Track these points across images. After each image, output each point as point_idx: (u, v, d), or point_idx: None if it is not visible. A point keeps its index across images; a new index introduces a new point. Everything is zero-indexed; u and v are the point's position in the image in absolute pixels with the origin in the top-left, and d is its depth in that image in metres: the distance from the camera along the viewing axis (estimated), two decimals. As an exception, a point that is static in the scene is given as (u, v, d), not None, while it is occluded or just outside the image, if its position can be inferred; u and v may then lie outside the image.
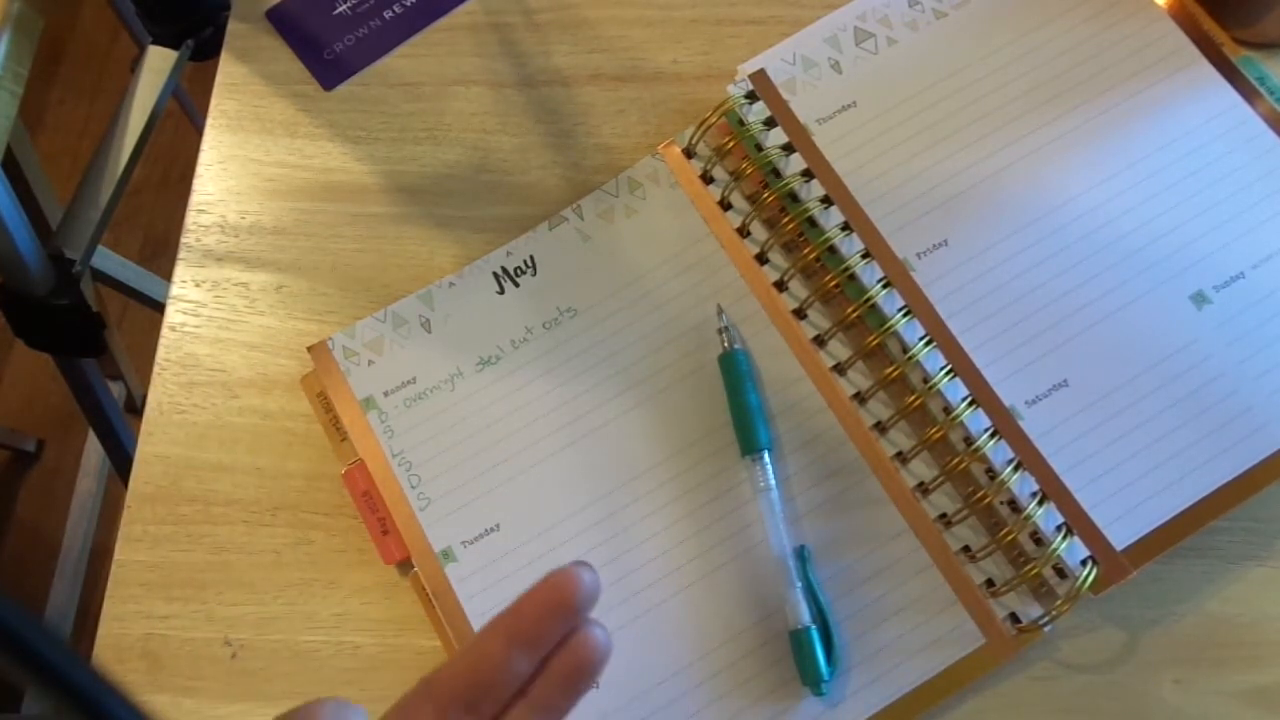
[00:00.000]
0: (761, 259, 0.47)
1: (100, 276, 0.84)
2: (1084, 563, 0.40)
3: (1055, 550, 0.40)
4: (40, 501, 1.25)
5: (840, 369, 0.45)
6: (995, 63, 0.48)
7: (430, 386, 0.46)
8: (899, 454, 0.43)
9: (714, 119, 0.48)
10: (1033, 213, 0.45)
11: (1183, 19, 0.48)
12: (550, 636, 0.28)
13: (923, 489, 0.43)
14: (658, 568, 0.42)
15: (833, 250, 0.45)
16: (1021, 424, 0.42)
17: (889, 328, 0.43)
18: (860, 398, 0.44)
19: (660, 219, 0.48)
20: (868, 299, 0.44)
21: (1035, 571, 0.40)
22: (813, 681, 0.40)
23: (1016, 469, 0.41)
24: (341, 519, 0.45)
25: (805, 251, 0.45)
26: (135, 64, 0.69)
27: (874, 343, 0.44)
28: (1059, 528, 0.40)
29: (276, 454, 0.46)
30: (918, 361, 0.43)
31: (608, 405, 0.45)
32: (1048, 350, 0.43)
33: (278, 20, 0.54)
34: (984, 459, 0.42)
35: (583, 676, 0.28)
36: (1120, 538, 0.40)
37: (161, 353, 0.48)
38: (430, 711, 0.28)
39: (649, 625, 0.42)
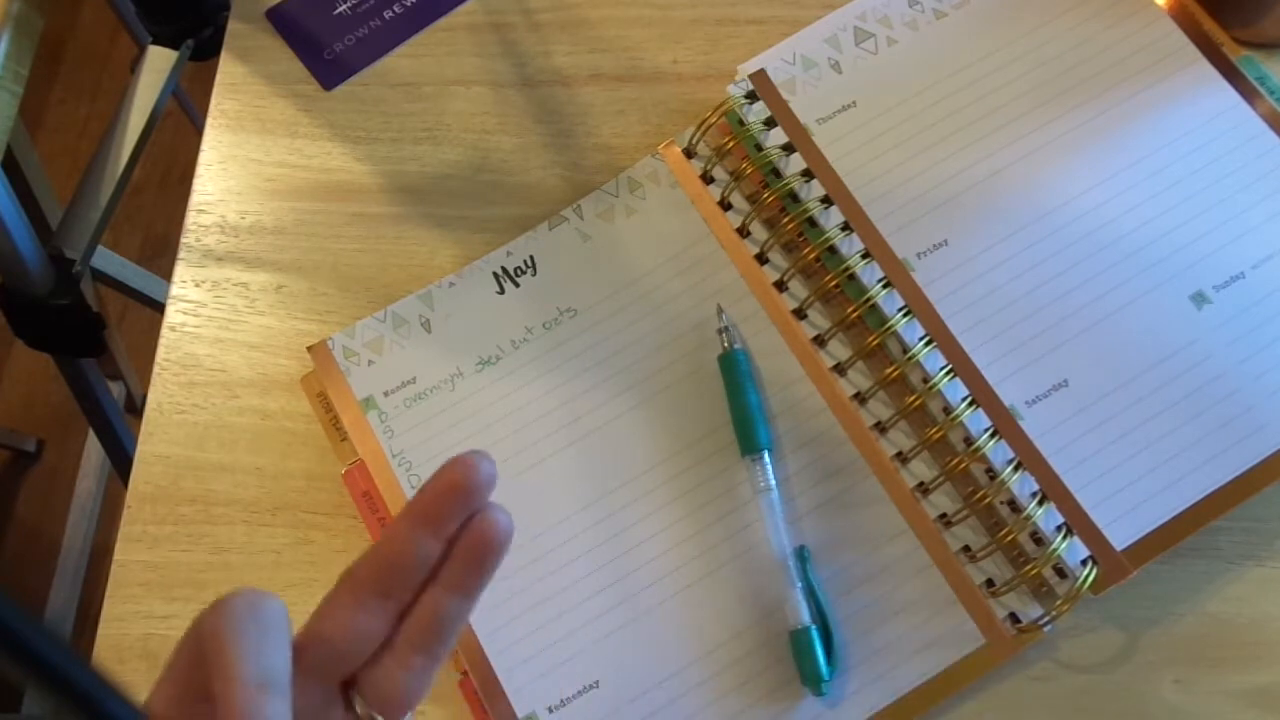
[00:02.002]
0: (761, 259, 0.47)
1: (100, 276, 0.84)
2: (1084, 563, 0.40)
3: (1055, 550, 0.40)
4: (40, 501, 1.25)
5: (840, 369, 0.45)
6: (995, 63, 0.48)
7: (430, 386, 0.46)
8: (899, 454, 0.43)
9: (714, 119, 0.48)
10: (1033, 213, 0.45)
11: (1183, 19, 0.48)
12: (450, 517, 0.29)
13: (923, 489, 0.43)
14: (658, 568, 0.42)
15: (833, 250, 0.45)
16: (1021, 424, 0.42)
17: (889, 328, 0.43)
18: (860, 398, 0.44)
19: (660, 219, 0.48)
20: (868, 299, 0.44)
21: (1035, 571, 0.40)
22: (813, 681, 0.40)
23: (1016, 469, 0.41)
24: (341, 519, 0.45)
25: (805, 251, 0.45)
26: (135, 64, 0.69)
27: (874, 343, 0.44)
28: (1059, 528, 0.40)
29: (276, 454, 0.46)
30: (918, 361, 0.43)
31: (608, 405, 0.45)
32: (1048, 350, 0.43)
33: (278, 20, 0.54)
34: (984, 459, 0.42)
35: (486, 555, 0.29)
36: (1120, 538, 0.40)
37: (161, 353, 0.48)
38: (349, 601, 0.29)
39: (649, 625, 0.42)
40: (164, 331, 0.49)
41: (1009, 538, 0.41)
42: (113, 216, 0.68)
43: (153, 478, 0.46)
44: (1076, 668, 0.41)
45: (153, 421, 0.47)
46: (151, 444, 0.47)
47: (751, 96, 0.48)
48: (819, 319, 0.46)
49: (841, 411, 0.44)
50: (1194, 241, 0.44)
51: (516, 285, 0.47)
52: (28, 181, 0.73)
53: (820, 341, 0.45)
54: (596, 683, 0.41)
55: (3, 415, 1.29)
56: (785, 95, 0.48)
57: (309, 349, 0.47)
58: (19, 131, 0.68)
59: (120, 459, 0.91)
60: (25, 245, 0.64)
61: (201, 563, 0.45)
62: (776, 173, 0.47)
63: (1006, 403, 0.42)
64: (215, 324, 0.49)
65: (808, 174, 0.46)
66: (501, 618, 0.42)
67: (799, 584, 0.41)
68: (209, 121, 0.53)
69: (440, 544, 0.29)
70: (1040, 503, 0.41)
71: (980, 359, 0.43)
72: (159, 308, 0.70)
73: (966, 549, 0.42)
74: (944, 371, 0.43)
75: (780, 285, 0.46)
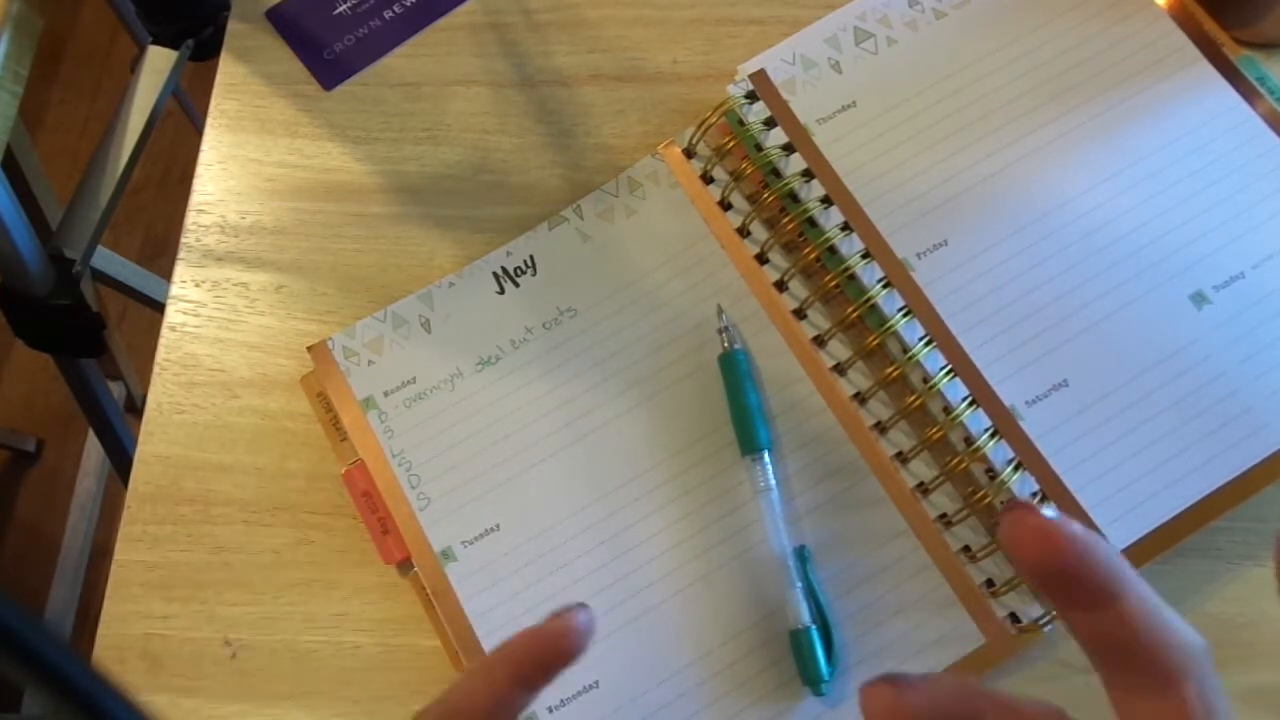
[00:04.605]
0: (761, 259, 0.47)
1: (100, 276, 0.84)
2: (1084, 563, 0.40)
3: (1055, 550, 0.40)
4: (40, 501, 1.25)
5: (840, 369, 0.45)
6: (995, 63, 0.48)
7: (430, 386, 0.46)
8: (899, 454, 0.43)
9: (714, 119, 0.48)
10: (1033, 213, 0.45)
11: (1183, 19, 0.48)
12: (548, 677, 0.29)
13: (923, 489, 0.43)
14: (658, 568, 0.42)
15: (833, 250, 0.45)
16: (1021, 424, 0.42)
17: (889, 328, 0.43)
18: (860, 398, 0.44)
19: (660, 219, 0.48)
20: (868, 299, 0.44)
21: (1035, 571, 0.40)
22: (813, 681, 0.40)
23: (1016, 469, 0.41)
24: (341, 519, 0.45)
25: (805, 251, 0.45)
26: (135, 64, 0.69)
27: (874, 343, 0.44)
28: (1059, 528, 0.40)
29: (276, 454, 0.46)
30: (918, 361, 0.43)
31: (608, 405, 0.45)
32: (1048, 350, 0.43)
33: (278, 20, 0.54)
34: (984, 459, 0.42)
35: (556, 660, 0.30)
36: (1120, 538, 0.40)
37: (161, 353, 0.48)
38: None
39: (649, 625, 0.42)
40: (164, 331, 0.49)
41: (1009, 538, 0.41)
42: (113, 216, 0.68)
43: (153, 478, 0.46)
44: (1077, 667, 0.41)
45: (153, 421, 0.47)
46: (151, 444, 0.47)
47: (751, 96, 0.48)
48: (819, 319, 0.46)
49: (841, 411, 0.44)
50: (1194, 241, 0.44)
51: (516, 285, 0.47)
52: (28, 181, 0.73)
53: (820, 341, 0.45)
54: (596, 683, 0.41)
55: (3, 415, 1.29)
56: (785, 95, 0.48)
57: (309, 349, 0.47)
58: (19, 131, 0.69)
59: (120, 459, 0.91)
60: (25, 245, 0.64)
61: (201, 563, 0.45)
62: (776, 173, 0.47)
63: (1006, 403, 0.42)
64: (215, 324, 0.49)
65: (808, 174, 0.46)
66: (501, 618, 0.42)
67: (799, 584, 0.41)
68: (209, 121, 0.53)
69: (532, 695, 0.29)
70: (1040, 503, 0.40)
71: (980, 359, 0.43)
72: (159, 308, 0.70)
73: (966, 549, 0.42)
74: (944, 371, 0.43)
75: (780, 285, 0.46)
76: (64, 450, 1.26)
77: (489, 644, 0.42)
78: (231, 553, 0.45)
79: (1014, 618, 0.41)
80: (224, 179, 0.51)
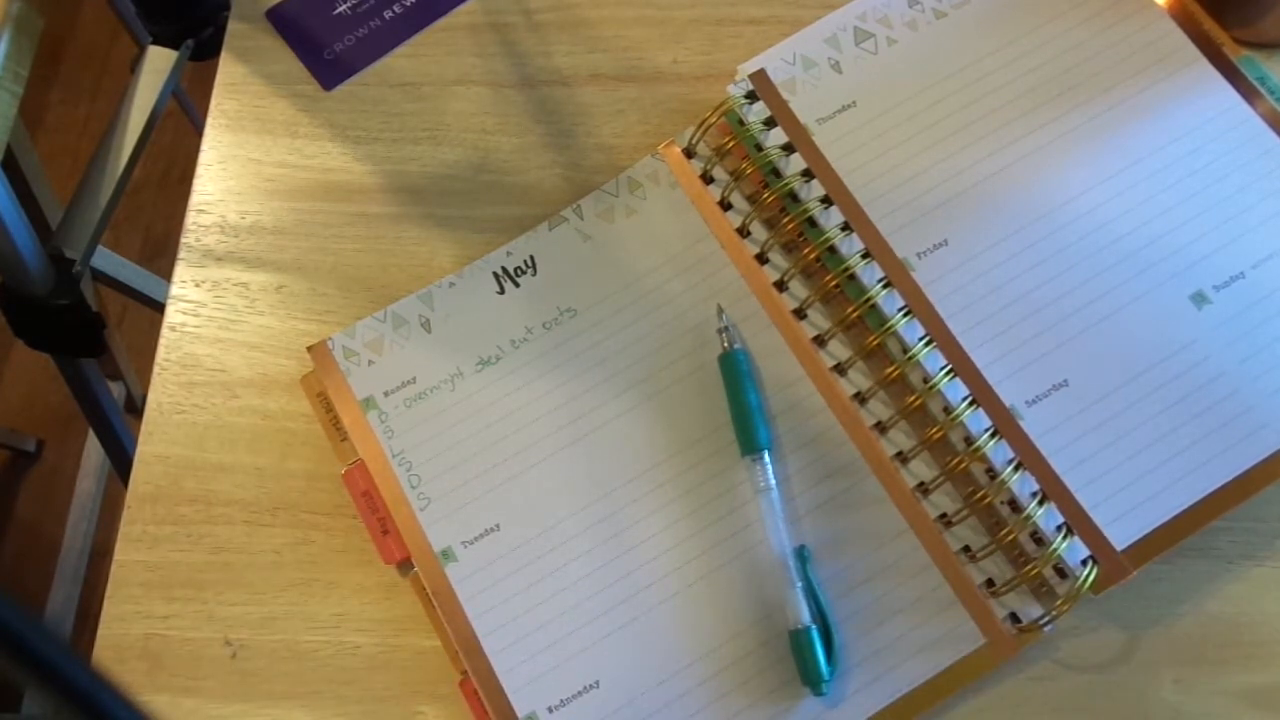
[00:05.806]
0: (761, 259, 0.47)
1: (100, 276, 0.84)
2: (1084, 563, 0.40)
3: (1055, 550, 0.40)
4: (40, 501, 1.25)
5: (840, 369, 0.45)
6: (995, 63, 0.48)
7: (430, 386, 0.46)
8: (899, 454, 0.43)
9: (714, 119, 0.48)
10: (1033, 213, 0.45)
11: (1183, 19, 0.48)
12: None
13: (923, 489, 0.43)
14: (658, 567, 0.42)
15: (833, 250, 0.45)
16: (1021, 424, 0.42)
17: (889, 328, 0.43)
18: (860, 398, 0.44)
19: (660, 219, 0.48)
20: (868, 299, 0.44)
21: (1035, 571, 0.40)
22: (813, 681, 0.40)
23: (1016, 469, 0.41)
24: (341, 519, 0.45)
25: (805, 251, 0.45)
26: (135, 64, 0.69)
27: (874, 343, 0.44)
28: (1059, 528, 0.40)
29: (276, 454, 0.46)
30: (918, 361, 0.43)
31: (608, 405, 0.45)
32: (1048, 350, 0.43)
33: (278, 20, 0.54)
34: (984, 459, 0.42)
35: None
36: (1120, 538, 0.40)
37: (161, 353, 0.48)
38: None
39: (649, 625, 0.42)
40: (164, 331, 0.49)
41: (1009, 538, 0.41)
42: (113, 216, 0.68)
43: (153, 478, 0.46)
44: (1076, 668, 0.41)
45: (153, 421, 0.47)
46: (151, 444, 0.47)
47: (751, 96, 0.48)
48: (819, 319, 0.46)
49: (841, 411, 0.44)
50: (1194, 241, 0.44)
51: (516, 285, 0.47)
52: (28, 181, 0.73)
53: (820, 341, 0.45)
54: (596, 683, 0.41)
55: (3, 415, 1.29)
56: (785, 95, 0.48)
57: (309, 349, 0.47)
58: (19, 131, 0.68)
59: (120, 459, 0.91)
60: (25, 245, 0.64)
61: (201, 563, 0.45)
62: (776, 173, 0.47)
63: (1006, 403, 0.42)
64: (215, 324, 0.49)
65: (808, 174, 0.46)
66: (501, 617, 0.42)
67: (799, 584, 0.41)
68: (209, 121, 0.53)
69: None
70: (1040, 503, 0.41)
71: (980, 359, 0.43)
72: (159, 308, 0.70)
73: (966, 549, 0.42)
74: (944, 371, 0.43)
75: (780, 285, 0.46)
76: (64, 450, 1.26)
77: (489, 644, 0.42)
78: (231, 553, 0.45)
79: (1014, 618, 0.41)
80: (224, 179, 0.51)
